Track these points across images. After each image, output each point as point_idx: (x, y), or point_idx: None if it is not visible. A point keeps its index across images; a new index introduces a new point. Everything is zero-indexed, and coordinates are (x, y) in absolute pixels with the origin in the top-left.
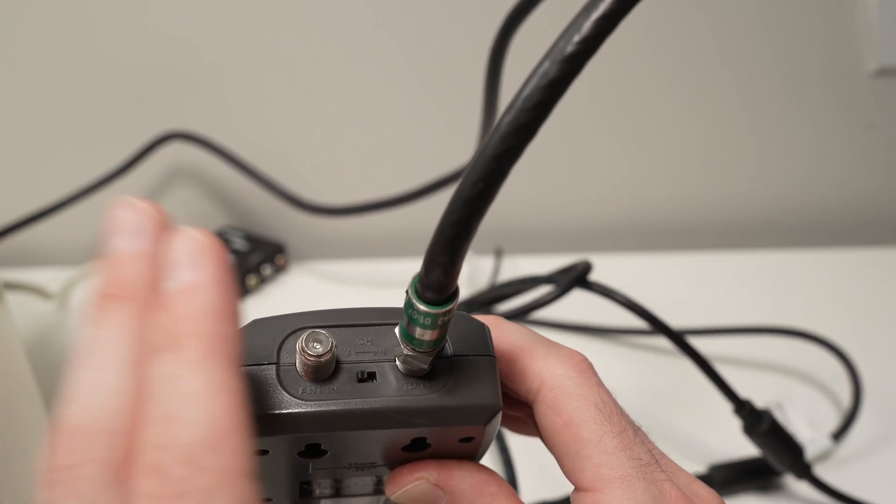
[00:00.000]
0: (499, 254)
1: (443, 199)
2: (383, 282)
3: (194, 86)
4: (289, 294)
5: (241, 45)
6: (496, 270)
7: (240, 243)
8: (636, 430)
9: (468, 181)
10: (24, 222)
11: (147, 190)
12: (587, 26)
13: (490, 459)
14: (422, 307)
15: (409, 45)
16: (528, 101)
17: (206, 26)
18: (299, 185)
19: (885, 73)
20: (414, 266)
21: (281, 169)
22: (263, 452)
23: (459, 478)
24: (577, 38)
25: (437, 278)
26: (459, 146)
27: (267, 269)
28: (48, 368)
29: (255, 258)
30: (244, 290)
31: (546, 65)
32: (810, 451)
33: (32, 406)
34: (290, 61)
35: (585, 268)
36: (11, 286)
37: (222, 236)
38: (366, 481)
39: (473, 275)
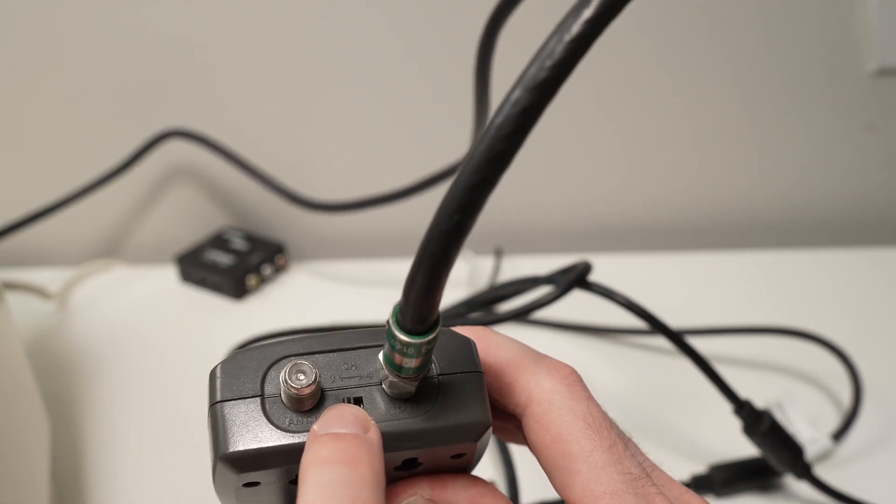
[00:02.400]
0: (499, 254)
1: (442, 193)
2: (383, 282)
3: (192, 84)
4: (289, 294)
5: (238, 43)
6: (496, 270)
7: (240, 243)
8: (626, 443)
9: (444, 213)
10: (24, 222)
11: (146, 189)
12: (559, 50)
13: (490, 460)
14: (404, 338)
15: (407, 39)
16: (500, 130)
17: (204, 25)
18: (298, 182)
19: (885, 73)
20: None
21: (280, 167)
22: (254, 484)
23: (454, 492)
24: (548, 63)
25: (418, 309)
26: (458, 141)
27: (267, 269)
28: (48, 368)
29: (255, 258)
30: (244, 290)
31: (517, 93)
32: (810, 451)
33: (32, 406)
34: (286, 59)
35: (585, 268)
36: (11, 286)
37: (222, 236)
38: None
39: (473, 275)
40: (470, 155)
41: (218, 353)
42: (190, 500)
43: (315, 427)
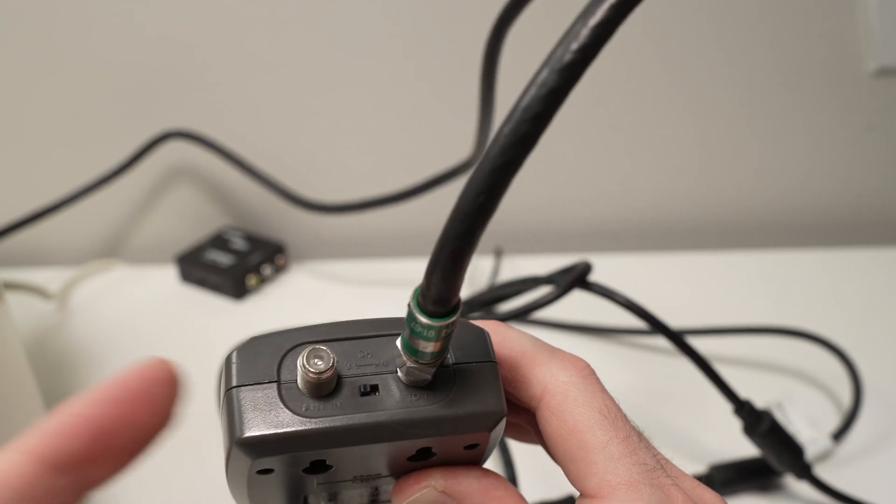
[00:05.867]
0: (499, 254)
1: (443, 195)
2: (383, 282)
3: (192, 85)
4: (289, 294)
5: (238, 43)
6: (496, 270)
7: (240, 243)
8: (640, 436)
9: (469, 194)
10: (24, 222)
11: (147, 189)
12: (584, 34)
13: (491, 460)
14: (424, 320)
15: (408, 39)
16: (526, 111)
17: (203, 25)
18: (299, 183)
19: (885, 73)
20: (414, 266)
21: (280, 167)
22: (268, 471)
23: (466, 483)
24: (574, 47)
25: (440, 291)
26: (459, 142)
27: (267, 269)
28: (48, 368)
29: (255, 258)
30: (244, 290)
31: (544, 74)
32: (810, 451)
33: (32, 406)
34: (287, 59)
35: (585, 268)
36: (11, 286)
37: (222, 236)
38: (368, 491)
39: (473, 275)
40: (496, 136)
41: (218, 352)
42: (190, 499)
43: None
